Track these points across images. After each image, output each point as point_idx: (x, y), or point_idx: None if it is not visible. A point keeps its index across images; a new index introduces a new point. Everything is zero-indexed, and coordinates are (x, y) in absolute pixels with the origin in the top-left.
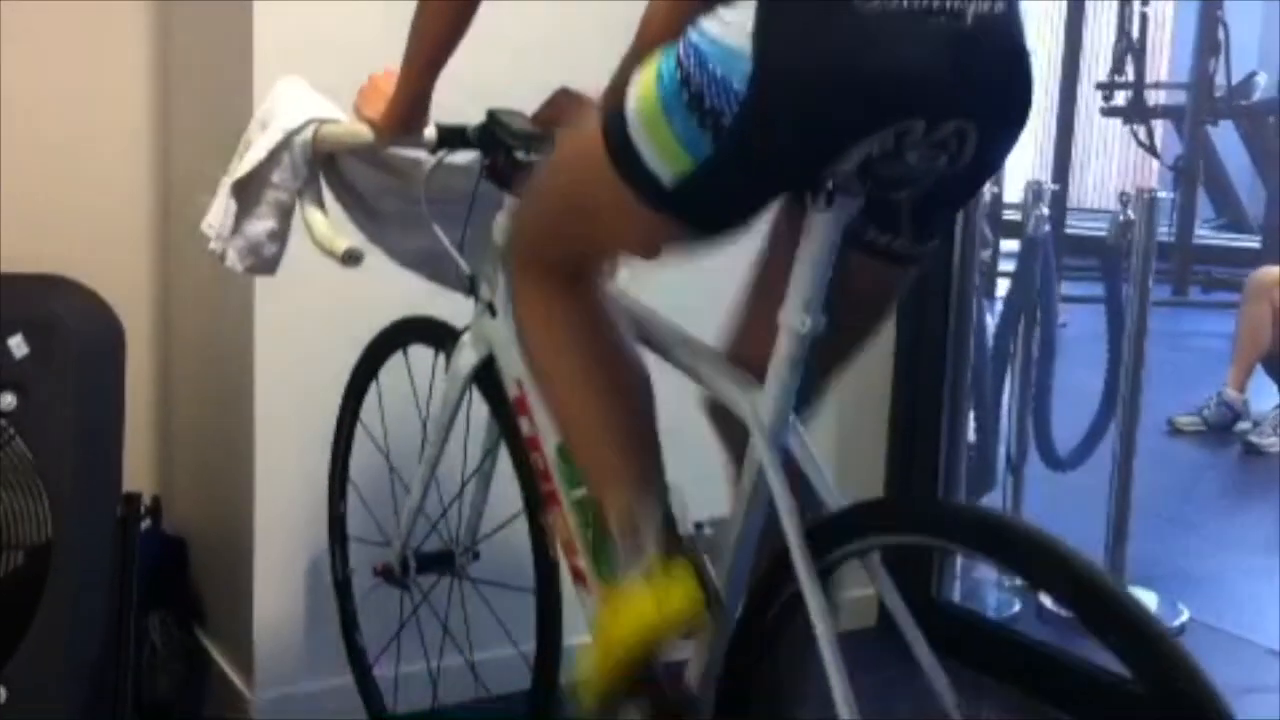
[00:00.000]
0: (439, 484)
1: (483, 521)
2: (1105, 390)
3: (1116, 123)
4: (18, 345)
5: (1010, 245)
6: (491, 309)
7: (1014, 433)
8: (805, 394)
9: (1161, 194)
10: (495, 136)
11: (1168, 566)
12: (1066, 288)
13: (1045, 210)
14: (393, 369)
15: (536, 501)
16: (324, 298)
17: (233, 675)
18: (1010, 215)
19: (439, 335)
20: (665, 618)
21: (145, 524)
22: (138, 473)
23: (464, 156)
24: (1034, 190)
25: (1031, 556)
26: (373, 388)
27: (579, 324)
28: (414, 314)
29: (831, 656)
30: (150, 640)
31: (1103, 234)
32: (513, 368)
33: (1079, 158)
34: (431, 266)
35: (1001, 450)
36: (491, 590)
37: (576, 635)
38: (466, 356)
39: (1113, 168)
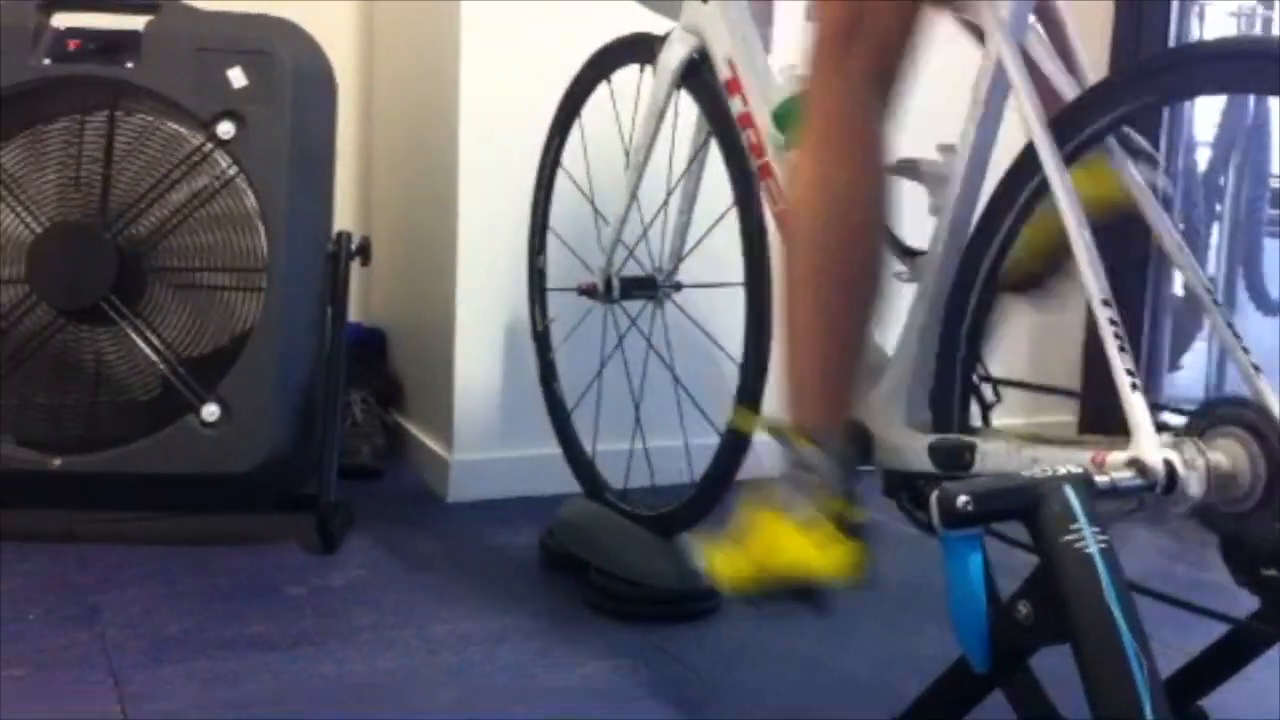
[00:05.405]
0: (640, 206)
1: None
2: None
3: None
4: (236, 76)
5: None
6: None
7: (1223, 274)
8: None
9: None
10: None
11: None
12: None
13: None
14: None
15: (748, 188)
16: (529, 39)
17: (431, 444)
18: None
19: (645, 47)
20: (822, 570)
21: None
22: (342, 217)
23: None
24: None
25: None
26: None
27: (860, 166)
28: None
29: (1079, 237)
30: (352, 415)
31: None
32: (724, 48)
33: None
34: None
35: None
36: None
37: None
38: (675, 51)
39: None
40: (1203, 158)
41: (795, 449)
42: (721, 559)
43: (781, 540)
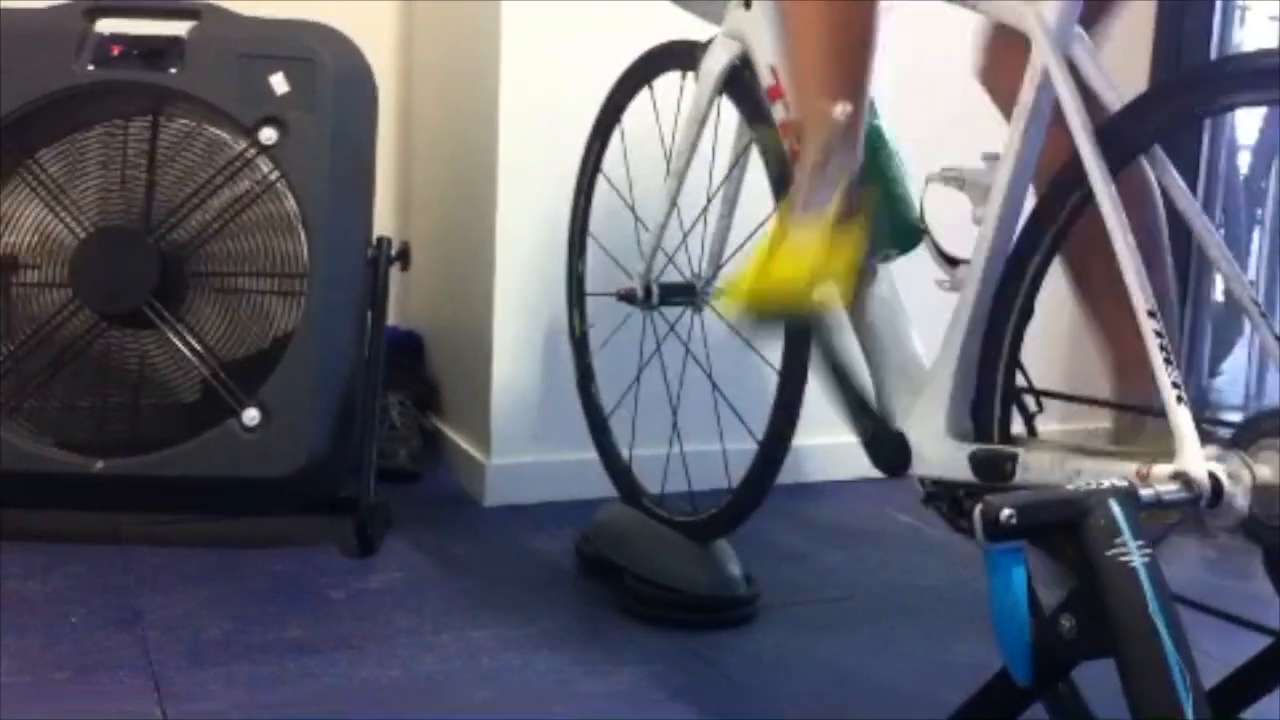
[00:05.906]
0: (680, 212)
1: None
2: None
3: None
4: (279, 82)
5: None
6: (746, 1)
7: (1263, 280)
8: None
9: None
10: None
11: None
12: None
13: None
14: (633, 120)
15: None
16: (570, 41)
17: (468, 447)
18: None
19: (687, 54)
20: (818, 275)
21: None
22: (381, 219)
23: None
24: None
25: None
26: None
27: None
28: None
29: (1124, 246)
30: (389, 418)
31: None
32: (767, 55)
33: None
34: None
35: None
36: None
37: None
38: (718, 57)
39: None
40: (1244, 161)
41: (810, 156)
42: (738, 283)
43: (780, 256)
